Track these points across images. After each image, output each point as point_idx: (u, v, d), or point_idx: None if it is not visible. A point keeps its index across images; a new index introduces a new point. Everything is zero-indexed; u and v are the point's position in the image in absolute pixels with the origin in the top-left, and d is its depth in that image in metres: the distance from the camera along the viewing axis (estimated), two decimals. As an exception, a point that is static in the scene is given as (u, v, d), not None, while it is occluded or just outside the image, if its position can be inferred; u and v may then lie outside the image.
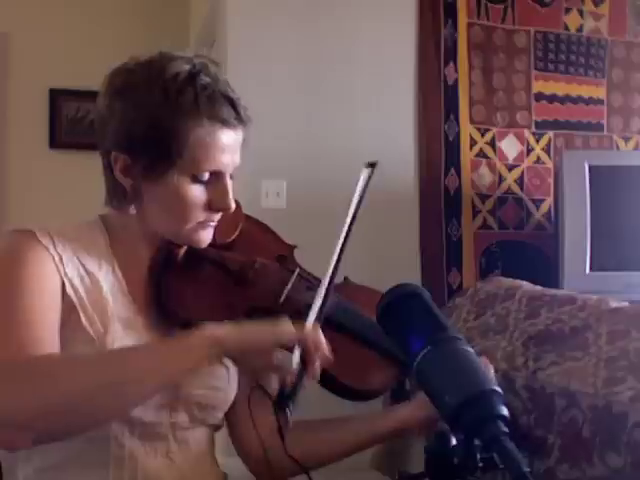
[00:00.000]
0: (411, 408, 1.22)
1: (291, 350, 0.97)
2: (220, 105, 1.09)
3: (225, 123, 1.09)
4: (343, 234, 1.09)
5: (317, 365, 0.97)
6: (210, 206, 1.12)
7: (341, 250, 1.08)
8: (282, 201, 2.63)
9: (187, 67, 1.09)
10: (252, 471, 1.27)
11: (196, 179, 1.10)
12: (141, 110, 1.08)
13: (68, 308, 1.07)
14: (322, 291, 1.04)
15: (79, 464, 1.06)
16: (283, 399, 0.94)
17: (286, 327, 0.99)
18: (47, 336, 1.02)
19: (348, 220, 1.10)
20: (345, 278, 1.29)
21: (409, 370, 1.19)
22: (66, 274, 1.08)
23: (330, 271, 1.07)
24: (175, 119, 1.07)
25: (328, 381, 1.13)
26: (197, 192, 1.10)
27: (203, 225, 1.14)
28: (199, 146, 1.08)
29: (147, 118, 1.08)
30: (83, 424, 0.98)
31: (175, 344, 1.01)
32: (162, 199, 1.11)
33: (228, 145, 1.11)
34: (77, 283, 1.08)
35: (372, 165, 1.14)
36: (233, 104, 1.10)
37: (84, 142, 3.57)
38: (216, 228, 1.17)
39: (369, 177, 1.13)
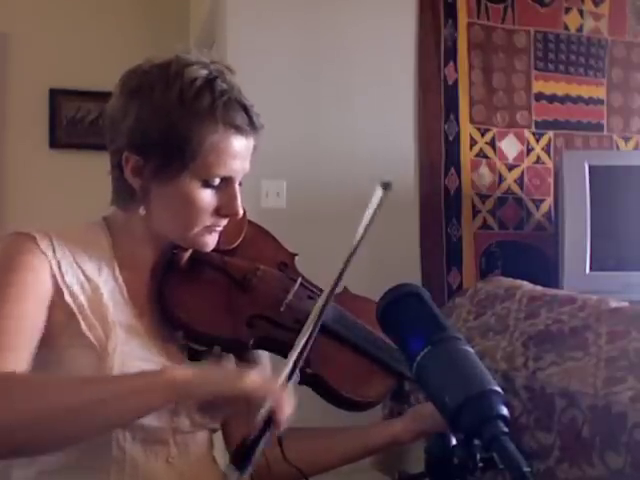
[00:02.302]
0: (405, 423, 1.23)
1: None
2: (235, 112, 1.09)
3: (239, 130, 1.10)
4: (344, 263, 1.02)
5: (279, 425, 0.92)
6: (218, 211, 1.13)
7: (339, 277, 1.02)
8: (282, 201, 2.63)
9: (204, 72, 1.10)
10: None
11: (207, 184, 1.10)
12: (157, 112, 1.08)
13: (67, 315, 1.06)
14: (301, 343, 0.96)
15: (80, 468, 1.06)
16: (242, 453, 0.91)
17: (253, 380, 0.93)
18: (15, 350, 0.99)
19: (354, 246, 1.06)
20: (344, 288, 1.29)
21: (405, 380, 1.20)
22: (64, 281, 1.07)
23: (317, 313, 0.99)
24: (191, 124, 1.07)
25: (324, 391, 1.13)
26: (207, 197, 1.11)
27: (209, 229, 1.14)
28: (213, 151, 1.08)
29: (163, 121, 1.08)
30: (26, 447, 0.93)
31: (137, 383, 0.95)
32: (171, 201, 1.12)
33: (240, 152, 1.11)
34: (77, 290, 1.08)
35: (386, 186, 1.11)
36: (247, 111, 1.11)
37: (84, 142, 3.57)
38: (220, 233, 1.17)
39: (382, 199, 1.10)
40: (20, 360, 1.00)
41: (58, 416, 0.91)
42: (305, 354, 0.97)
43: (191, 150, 1.08)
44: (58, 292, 1.07)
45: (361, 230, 1.02)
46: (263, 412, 0.91)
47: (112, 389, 0.94)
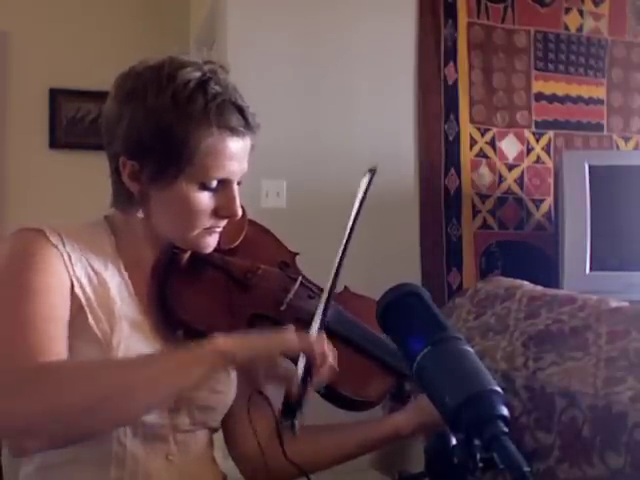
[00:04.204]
0: (407, 415, 1.23)
1: (296, 359, 0.97)
2: (229, 114, 1.09)
3: (234, 131, 1.09)
4: (345, 240, 1.08)
5: (323, 374, 0.98)
6: (217, 213, 1.13)
7: (343, 255, 1.08)
8: (282, 201, 2.63)
9: (197, 74, 1.09)
10: (247, 476, 1.27)
11: (204, 186, 1.10)
12: (151, 117, 1.07)
13: (75, 308, 1.06)
14: (324, 299, 1.04)
15: (80, 463, 1.07)
16: (289, 410, 0.94)
17: (292, 335, 0.99)
18: (54, 342, 1.01)
19: (349, 225, 1.10)
20: (345, 287, 1.29)
21: (406, 380, 1.20)
22: (74, 273, 1.08)
23: (332, 277, 1.07)
24: (185, 127, 1.07)
25: (326, 391, 1.13)
26: (205, 199, 1.11)
27: (209, 231, 1.14)
28: (209, 154, 1.08)
29: (157, 125, 1.07)
30: (87, 431, 0.97)
31: (184, 355, 0.99)
32: (170, 205, 1.12)
33: (236, 153, 1.11)
34: (85, 283, 1.08)
35: (372, 171, 1.14)
36: (242, 112, 1.10)
37: (84, 142, 3.57)
38: (221, 233, 1.17)
39: (369, 183, 1.13)
40: (62, 354, 1.01)
41: (113, 397, 0.94)
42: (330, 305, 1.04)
43: (187, 154, 1.07)
44: (70, 285, 1.07)
45: (353, 212, 1.05)
46: (301, 366, 0.96)
47: (159, 366, 0.98)
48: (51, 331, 1.01)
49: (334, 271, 1.07)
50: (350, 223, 1.10)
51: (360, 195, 1.12)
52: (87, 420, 0.94)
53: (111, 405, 0.94)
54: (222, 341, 0.97)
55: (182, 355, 0.99)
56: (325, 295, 1.05)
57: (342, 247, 1.08)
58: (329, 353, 0.99)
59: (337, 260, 1.07)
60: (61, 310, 1.04)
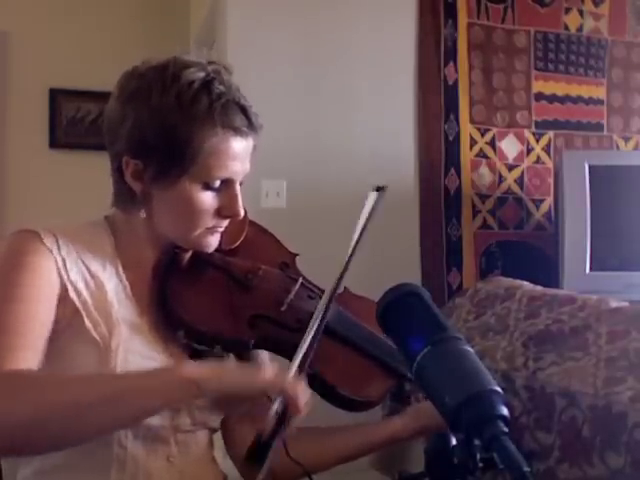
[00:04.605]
0: (406, 419, 1.23)
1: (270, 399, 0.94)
2: (233, 114, 1.09)
3: (238, 131, 1.10)
4: (346, 260, 1.05)
5: (296, 419, 0.95)
6: (220, 212, 1.13)
7: (341, 277, 1.05)
8: (282, 201, 2.63)
9: (201, 75, 1.09)
10: (246, 476, 1.27)
11: (207, 186, 1.10)
12: (154, 116, 1.08)
13: (71, 312, 1.06)
14: (308, 339, 1.00)
15: (81, 466, 1.06)
16: (259, 450, 0.92)
17: (266, 376, 0.96)
18: (34, 343, 1.01)
19: (352, 245, 1.07)
20: (345, 288, 1.29)
21: (406, 380, 1.21)
22: (69, 278, 1.08)
23: (322, 310, 1.03)
24: (189, 127, 1.07)
25: (325, 391, 1.13)
26: (208, 199, 1.11)
27: (211, 231, 1.14)
28: (212, 154, 1.09)
29: (161, 125, 1.08)
30: (48, 444, 0.95)
31: (149, 379, 0.97)
32: (172, 205, 1.12)
33: (239, 153, 1.11)
34: (81, 287, 1.08)
35: (380, 189, 1.12)
36: (245, 112, 1.11)
37: (84, 142, 3.57)
38: (222, 233, 1.17)
39: (377, 201, 1.10)
40: (31, 360, 1.00)
41: (69, 413, 0.92)
42: (313, 349, 1.00)
43: (191, 153, 1.08)
44: (63, 289, 1.07)
45: (357, 233, 1.03)
46: (276, 407, 0.92)
47: (125, 387, 0.96)
48: (27, 339, 1.01)
49: (326, 301, 1.04)
50: (352, 244, 1.08)
51: (365, 215, 1.08)
52: (36, 433, 0.91)
53: (60, 421, 0.92)
54: (190, 369, 0.95)
55: (147, 379, 0.97)
56: (310, 333, 1.01)
57: (341, 271, 1.05)
58: (302, 397, 0.95)
59: (334, 282, 1.05)
60: (45, 312, 1.04)
